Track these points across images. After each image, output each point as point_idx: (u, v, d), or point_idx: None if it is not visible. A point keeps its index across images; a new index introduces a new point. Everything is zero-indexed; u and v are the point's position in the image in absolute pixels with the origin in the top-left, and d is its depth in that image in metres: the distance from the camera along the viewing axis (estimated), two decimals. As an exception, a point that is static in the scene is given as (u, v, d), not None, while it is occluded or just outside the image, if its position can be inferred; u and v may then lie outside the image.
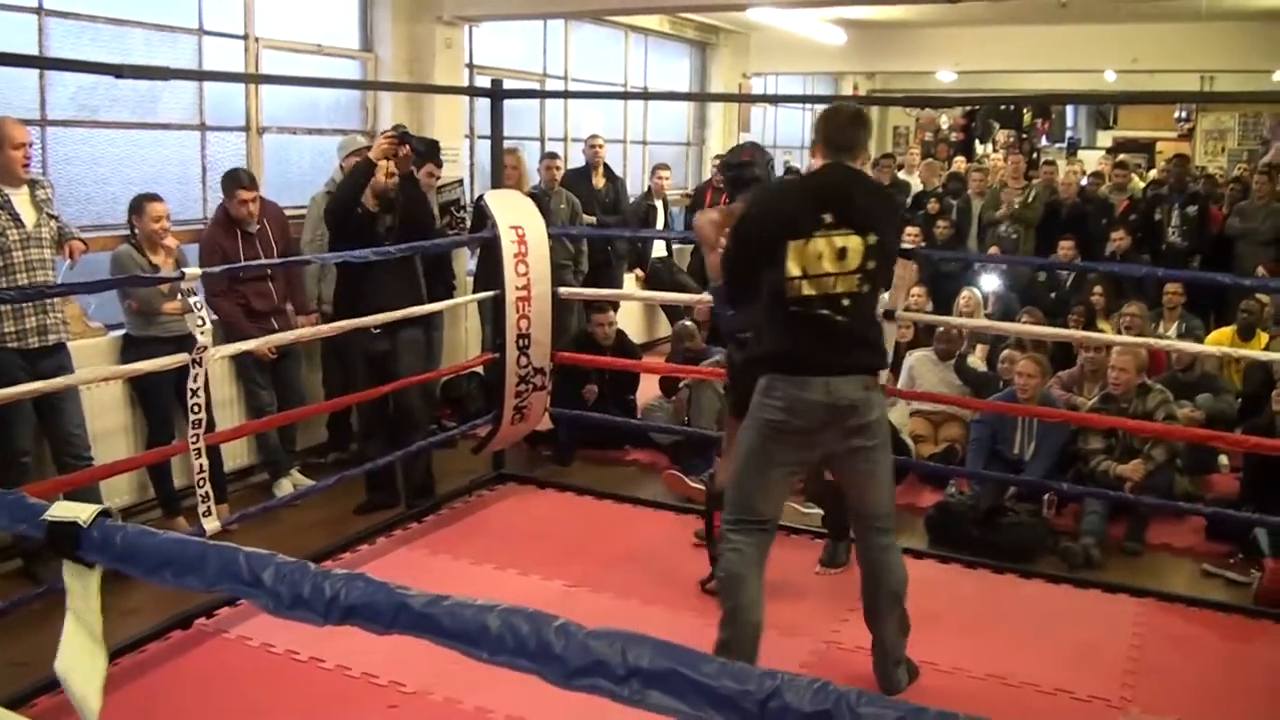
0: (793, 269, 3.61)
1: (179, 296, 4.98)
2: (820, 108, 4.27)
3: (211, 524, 4.36)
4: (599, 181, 8.65)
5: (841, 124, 3.76)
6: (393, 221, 5.60)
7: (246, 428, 5.70)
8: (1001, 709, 3.94)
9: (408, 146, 5.54)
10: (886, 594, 3.92)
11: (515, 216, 5.74)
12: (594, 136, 8.80)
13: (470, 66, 8.45)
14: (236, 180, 5.83)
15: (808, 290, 3.62)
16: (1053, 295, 8.69)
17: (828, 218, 3.61)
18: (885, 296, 5.40)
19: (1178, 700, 4.06)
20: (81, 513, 1.56)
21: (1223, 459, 6.70)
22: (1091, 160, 14.68)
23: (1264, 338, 7.35)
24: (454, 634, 1.38)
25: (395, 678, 3.91)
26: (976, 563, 5.28)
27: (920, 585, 4.96)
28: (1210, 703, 4.06)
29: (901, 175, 11.46)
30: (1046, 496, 5.78)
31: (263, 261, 5.74)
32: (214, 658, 4.18)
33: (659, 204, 9.46)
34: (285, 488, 5.97)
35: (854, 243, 3.61)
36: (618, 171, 9.50)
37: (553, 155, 8.20)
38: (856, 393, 3.66)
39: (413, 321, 5.74)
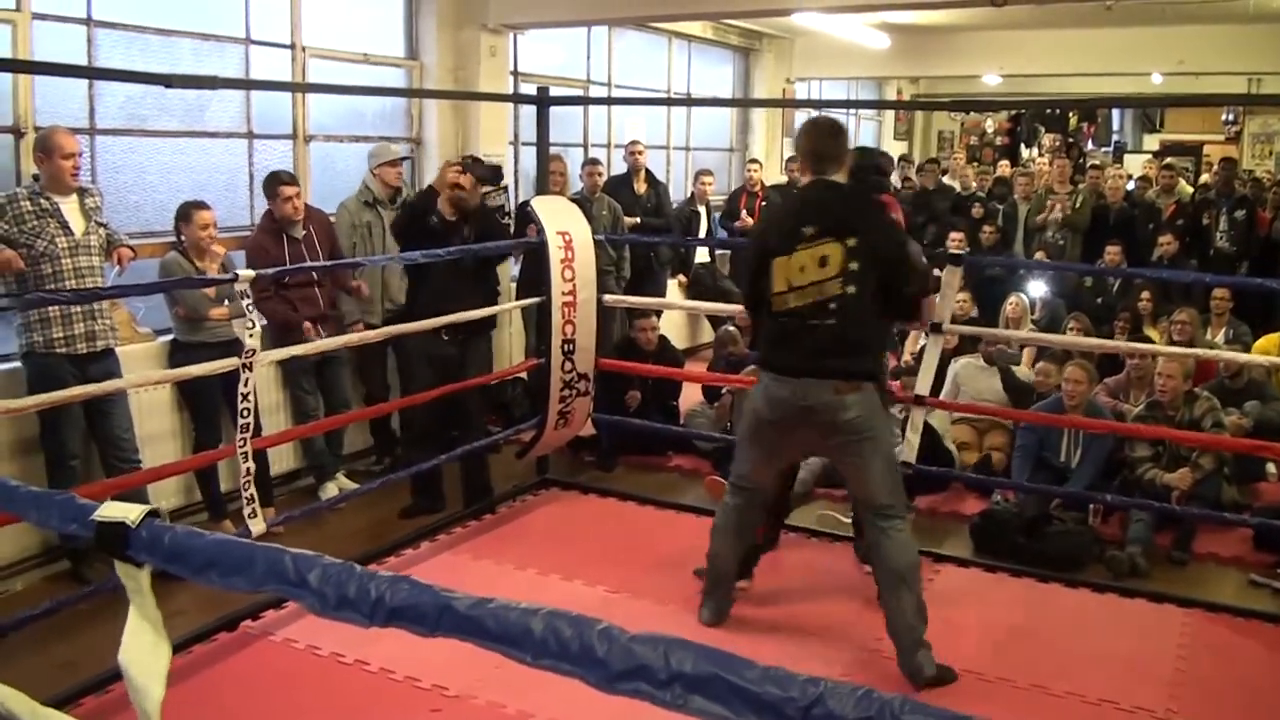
0: (778, 284, 4.00)
1: (227, 301, 5.05)
2: (864, 112, 4.49)
3: (257, 526, 4.41)
4: (640, 187, 8.66)
5: (819, 139, 4.11)
6: (469, 234, 5.69)
7: (293, 432, 5.77)
8: (1043, 718, 3.92)
9: (470, 175, 5.61)
10: (886, 574, 4.13)
11: (562, 222, 5.76)
12: (634, 143, 8.81)
13: (515, 74, 8.48)
14: (277, 179, 5.92)
15: (794, 302, 3.99)
16: (1099, 301, 8.61)
17: (809, 230, 3.96)
18: (937, 306, 5.41)
19: (1224, 712, 4.01)
20: (130, 513, 1.59)
21: (1271, 467, 6.61)
22: (1137, 164, 14.54)
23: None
24: (498, 636, 1.39)
25: (438, 681, 3.93)
26: (1022, 571, 5.23)
27: (965, 593, 5.02)
28: (1257, 714, 4.01)
29: (946, 180, 11.40)
30: (1092, 505, 5.73)
31: (319, 264, 5.81)
32: (260, 659, 4.21)
33: (702, 210, 9.45)
34: (330, 491, 6.02)
35: (834, 249, 3.91)
36: (660, 177, 9.51)
37: (594, 161, 8.22)
38: (824, 395, 3.96)
39: (482, 328, 5.91)
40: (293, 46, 6.75)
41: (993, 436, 6.68)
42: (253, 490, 4.41)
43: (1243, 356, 5.89)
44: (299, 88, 6.84)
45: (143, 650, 1.62)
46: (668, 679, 1.29)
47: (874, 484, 4.10)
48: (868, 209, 4.18)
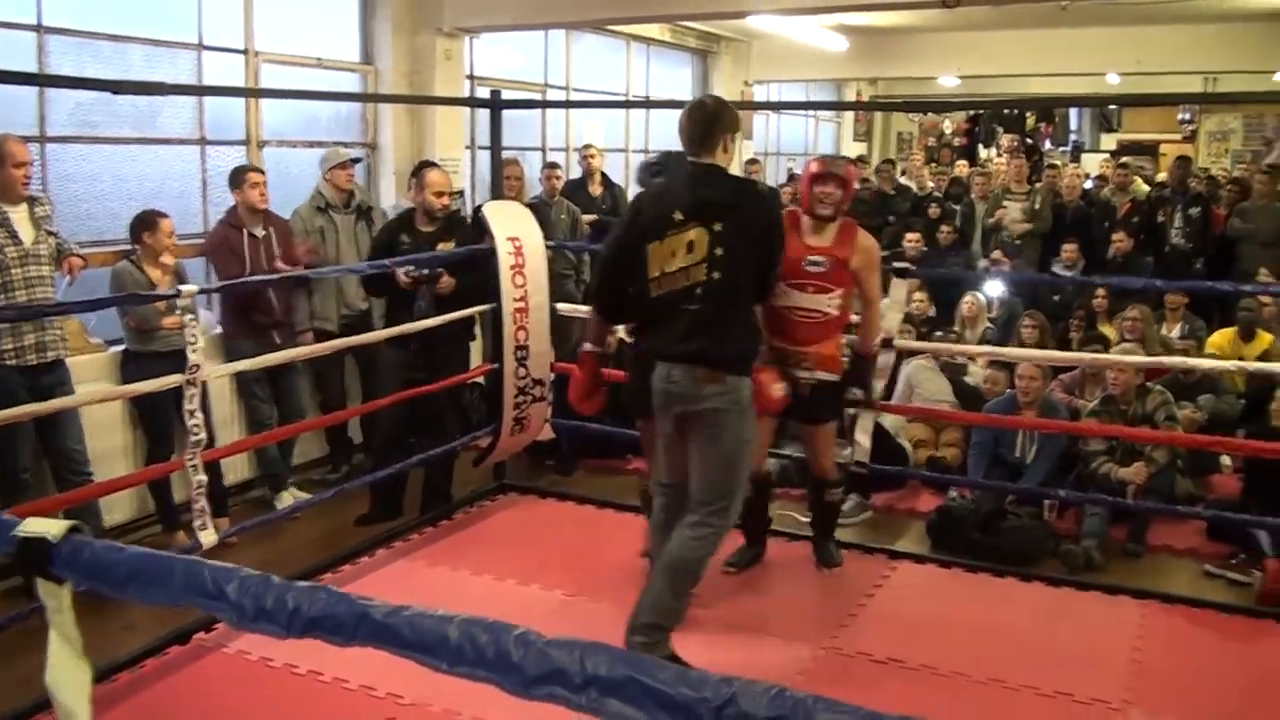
0: (652, 270, 3.94)
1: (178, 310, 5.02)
2: (824, 113, 4.43)
3: (208, 538, 4.36)
4: (596, 190, 8.65)
5: (694, 122, 3.97)
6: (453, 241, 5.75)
7: (245, 443, 5.72)
8: (1002, 713, 3.94)
9: None
10: (667, 558, 4.02)
11: (513, 227, 5.74)
12: (587, 146, 8.80)
13: (471, 78, 8.46)
14: (245, 168, 5.97)
15: (665, 287, 3.93)
16: (1056, 298, 8.67)
17: (678, 216, 3.89)
18: (891, 319, 5.44)
19: (1179, 701, 4.04)
20: (52, 529, 1.57)
21: (1225, 459, 6.68)
22: (1095, 163, 14.65)
23: (1266, 337, 7.34)
24: (413, 645, 1.39)
25: (393, 690, 3.90)
26: (978, 566, 5.26)
27: (921, 589, 5.05)
28: (1212, 704, 4.04)
29: (903, 180, 11.46)
30: (1047, 500, 5.77)
31: (296, 271, 5.82)
32: (213, 672, 4.16)
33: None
34: (285, 501, 5.98)
35: (699, 234, 3.85)
36: (619, 180, 9.51)
37: (553, 165, 8.22)
38: (685, 381, 3.91)
39: (458, 339, 5.98)
40: (246, 51, 6.72)
41: (948, 433, 6.71)
42: (204, 503, 4.36)
43: (1192, 361, 5.95)
44: (252, 93, 6.82)
45: (66, 671, 1.61)
46: (583, 683, 1.30)
47: (705, 477, 3.98)
48: (740, 193, 4.07)
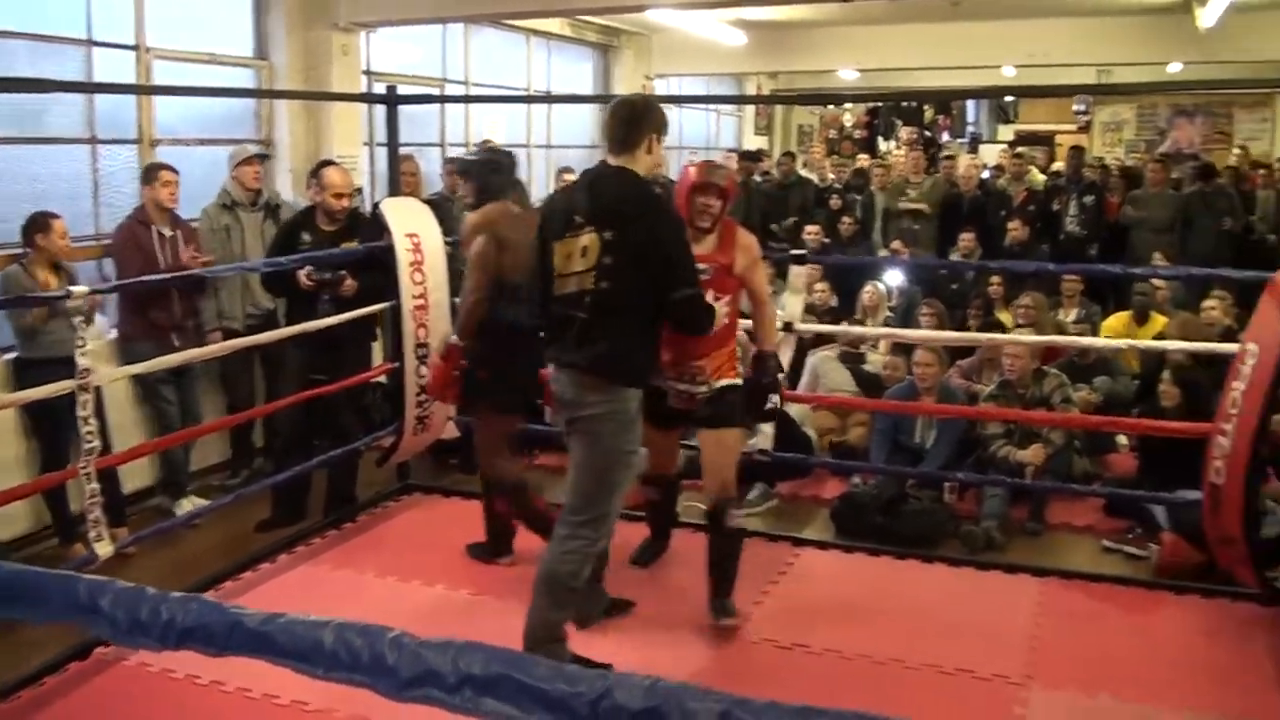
0: (556, 269, 3.84)
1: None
2: (725, 107, 4.30)
3: (104, 549, 4.25)
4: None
5: (617, 120, 3.85)
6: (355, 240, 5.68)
7: (142, 448, 5.56)
8: (904, 692, 3.99)
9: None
10: (542, 574, 3.94)
11: (411, 224, 5.69)
12: (485, 141, 8.77)
13: (368, 73, 8.36)
14: (159, 165, 5.88)
15: (561, 289, 3.83)
16: (954, 286, 8.82)
17: (578, 218, 3.77)
18: (787, 305, 5.45)
19: (1079, 674, 4.12)
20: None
21: (1121, 439, 6.83)
22: (993, 154, 14.92)
23: (1160, 320, 7.52)
24: (288, 652, 1.39)
25: (297, 697, 3.82)
26: (880, 550, 5.33)
27: (825, 575, 5.10)
28: (1112, 674, 4.12)
29: (804, 172, 11.55)
30: (947, 483, 5.87)
31: (196, 270, 5.70)
32: (114, 687, 4.06)
33: (565, 207, 9.41)
34: (185, 508, 5.85)
35: (592, 240, 3.72)
36: (523, 175, 9.43)
37: (453, 161, 8.14)
38: (570, 387, 3.82)
39: (361, 339, 5.96)
40: (137, 47, 6.56)
41: (856, 418, 6.78)
42: (98, 513, 4.25)
43: (1084, 341, 6.10)
44: (143, 90, 6.66)
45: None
46: (458, 683, 1.31)
47: (577, 486, 3.87)
48: (640, 200, 3.82)
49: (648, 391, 4.03)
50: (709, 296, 4.13)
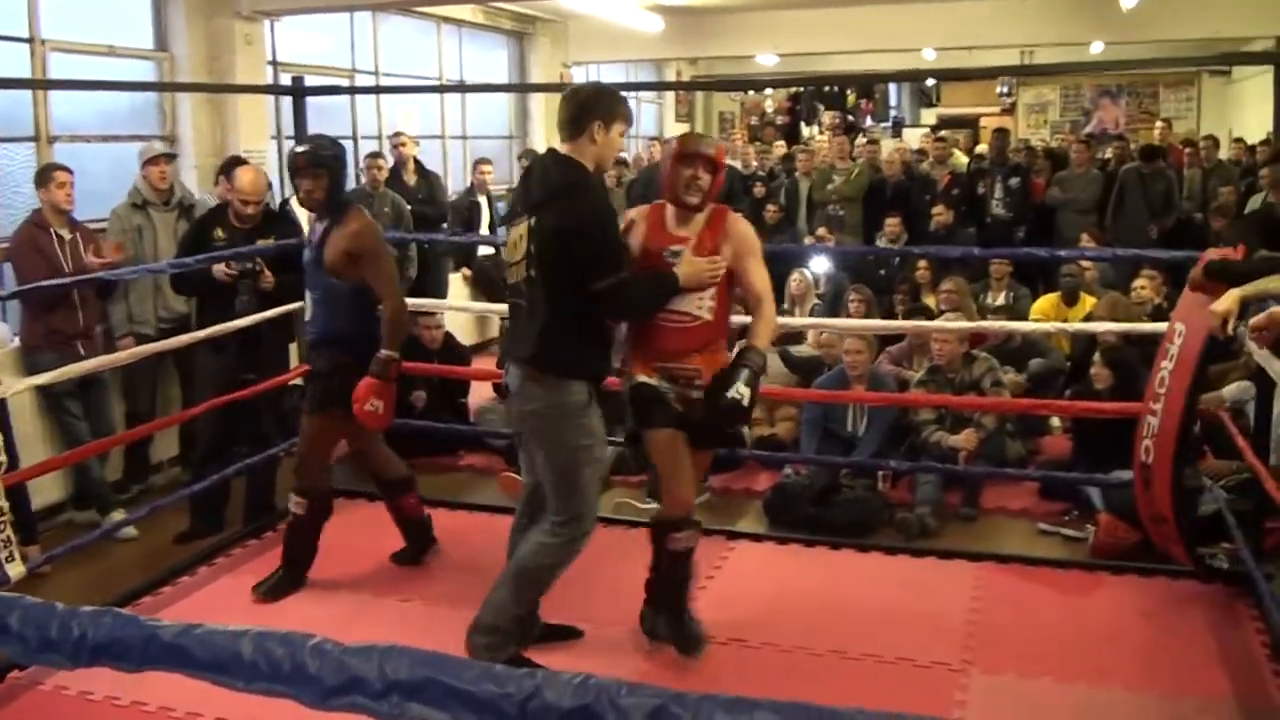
0: (505, 257, 3.89)
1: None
2: (645, 95, 4.16)
3: (16, 570, 4.02)
4: (411, 178, 8.45)
5: (562, 107, 3.81)
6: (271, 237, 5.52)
7: (52, 463, 5.30)
8: (843, 682, 3.93)
9: None
10: (512, 563, 3.94)
11: (322, 220, 5.48)
12: (397, 134, 8.62)
13: (274, 64, 8.14)
14: (52, 166, 5.64)
15: (509, 278, 3.84)
16: (881, 272, 8.78)
17: (519, 207, 3.81)
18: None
19: (1018, 657, 4.09)
20: None
21: (1054, 420, 6.83)
22: (915, 138, 14.97)
23: (1089, 301, 7.52)
24: (206, 664, 1.36)
25: (221, 714, 3.63)
26: (814, 540, 5.26)
27: (759, 567, 5.05)
28: (1051, 657, 4.09)
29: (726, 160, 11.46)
30: (880, 471, 5.80)
31: (100, 273, 5.41)
32: (30, 712, 3.87)
33: (483, 199, 9.26)
34: (116, 518, 5.57)
35: (523, 229, 3.73)
36: (438, 168, 9.30)
37: (376, 155, 8.00)
38: (514, 381, 3.81)
39: (279, 342, 5.79)
40: (31, 40, 6.35)
41: (783, 412, 6.70)
42: (9, 532, 4.01)
43: (1011, 325, 6.10)
44: (38, 84, 6.44)
45: None
46: (384, 689, 1.29)
47: (547, 486, 3.85)
48: (561, 186, 3.70)
49: (653, 398, 3.95)
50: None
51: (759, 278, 4.03)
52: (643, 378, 3.99)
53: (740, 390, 3.81)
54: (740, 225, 4.08)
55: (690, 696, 1.20)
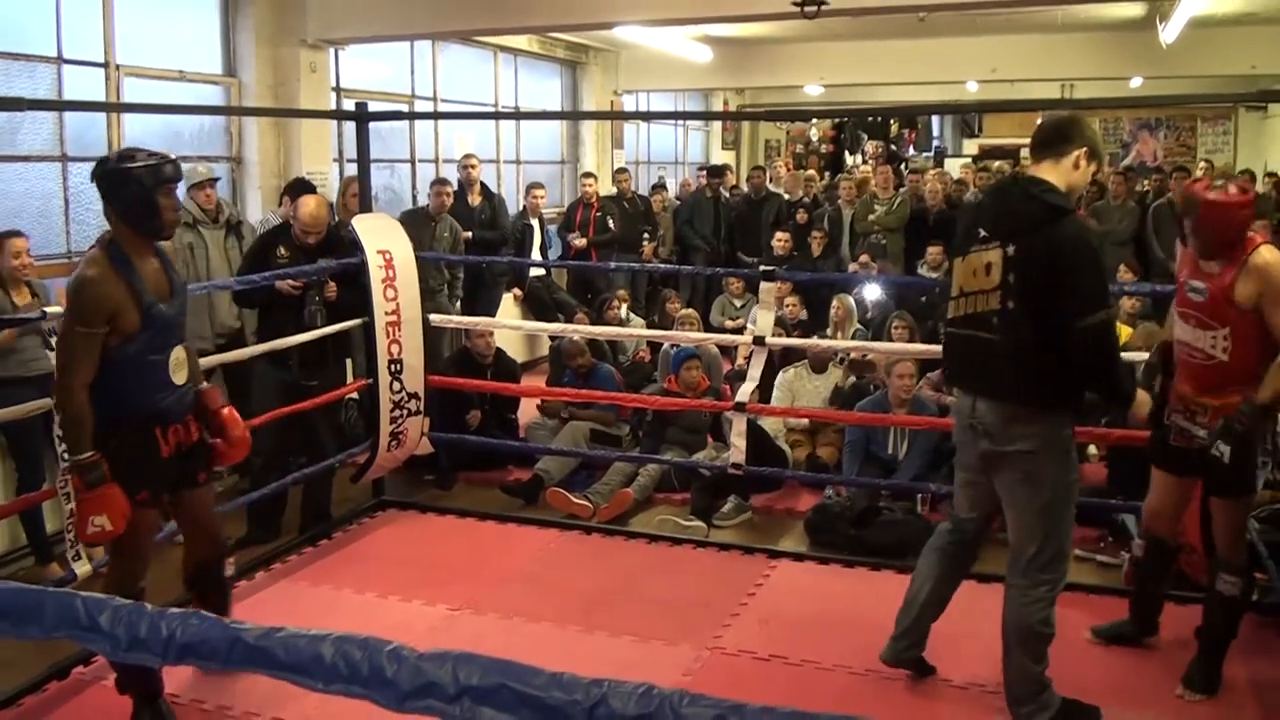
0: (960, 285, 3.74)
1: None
2: (693, 123, 4.18)
3: (83, 569, 4.23)
4: (475, 200, 8.63)
5: (1044, 131, 3.66)
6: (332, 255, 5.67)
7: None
8: (882, 701, 4.02)
9: None
10: (1007, 629, 3.85)
11: (383, 241, 5.70)
12: (468, 156, 8.78)
13: (337, 90, 8.36)
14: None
15: (957, 310, 3.74)
16: (923, 299, 8.88)
17: (982, 231, 3.65)
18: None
19: (1056, 681, 4.13)
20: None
21: (1091, 448, 6.90)
22: (957, 168, 15.05)
23: (1126, 331, 7.60)
24: (288, 665, 1.40)
25: (278, 714, 3.81)
26: (855, 561, 5.37)
27: (801, 587, 5.13)
28: (1086, 681, 4.14)
29: (772, 187, 11.61)
30: (920, 494, 5.91)
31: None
32: (93, 706, 4.03)
33: (535, 223, 9.46)
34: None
35: (992, 256, 3.57)
36: (497, 191, 9.50)
37: (443, 181, 8.13)
38: (990, 420, 3.63)
39: (338, 357, 5.91)
40: (106, 65, 6.55)
41: (826, 434, 6.83)
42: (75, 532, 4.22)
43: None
44: (113, 107, 6.64)
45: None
46: (457, 693, 1.33)
47: (1023, 528, 3.73)
48: (1046, 212, 3.51)
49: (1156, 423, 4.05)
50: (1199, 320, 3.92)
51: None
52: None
53: (1220, 449, 3.81)
54: (1266, 261, 3.80)
55: (751, 707, 1.25)
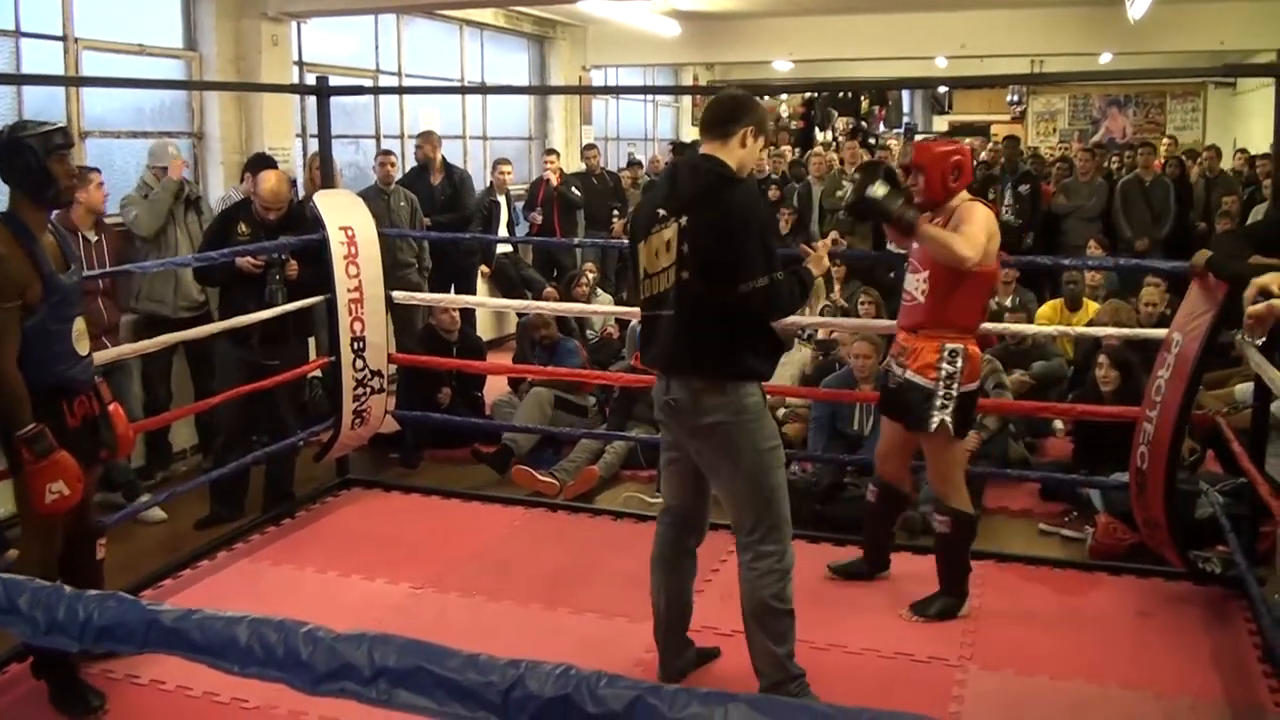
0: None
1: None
2: (662, 98, 4.12)
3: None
4: (436, 178, 8.56)
5: (711, 111, 3.72)
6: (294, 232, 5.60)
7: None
8: (841, 676, 4.01)
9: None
10: (745, 612, 3.75)
11: (344, 217, 5.64)
12: (425, 133, 8.72)
13: (300, 64, 8.27)
14: (88, 168, 5.77)
15: (642, 291, 3.76)
16: (891, 275, 8.87)
17: (661, 210, 3.67)
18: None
19: (1015, 654, 4.17)
20: None
21: (1057, 423, 6.93)
22: (927, 144, 15.06)
23: (1092, 306, 7.63)
24: (204, 648, 1.40)
25: (237, 695, 3.75)
26: (820, 537, 5.35)
27: None
28: (1048, 655, 4.17)
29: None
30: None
31: (112, 270, 5.48)
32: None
33: (501, 199, 9.39)
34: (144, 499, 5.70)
35: (669, 232, 3.60)
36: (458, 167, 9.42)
37: (387, 152, 8.08)
38: (681, 395, 3.63)
39: (299, 334, 5.89)
40: (65, 38, 6.45)
41: (791, 411, 6.80)
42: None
43: (1015, 327, 6.22)
44: (72, 81, 6.55)
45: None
46: (372, 675, 1.33)
47: (736, 503, 3.70)
48: (715, 183, 3.60)
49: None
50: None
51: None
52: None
53: (876, 190, 4.33)
54: (965, 204, 4.39)
55: (667, 689, 1.24)
